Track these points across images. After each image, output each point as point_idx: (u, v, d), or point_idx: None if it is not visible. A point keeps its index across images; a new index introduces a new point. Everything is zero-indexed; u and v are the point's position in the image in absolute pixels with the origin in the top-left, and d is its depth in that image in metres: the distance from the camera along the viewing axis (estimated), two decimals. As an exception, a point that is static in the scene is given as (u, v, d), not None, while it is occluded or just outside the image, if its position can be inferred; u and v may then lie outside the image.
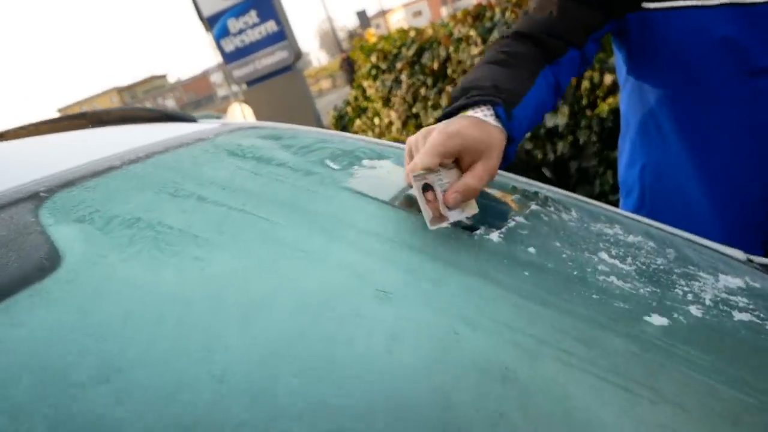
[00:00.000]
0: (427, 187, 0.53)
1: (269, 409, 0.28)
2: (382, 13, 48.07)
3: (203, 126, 0.78)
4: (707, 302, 0.51)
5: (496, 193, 0.67)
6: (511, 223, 0.56)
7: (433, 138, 0.55)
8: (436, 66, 3.55)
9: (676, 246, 0.65)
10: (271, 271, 0.40)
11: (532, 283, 0.46)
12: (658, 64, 0.83)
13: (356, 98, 5.22)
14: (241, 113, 7.24)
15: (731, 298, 0.53)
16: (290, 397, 0.29)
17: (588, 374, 0.37)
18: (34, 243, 0.38)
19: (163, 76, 63.56)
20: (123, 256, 0.39)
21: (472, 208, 0.56)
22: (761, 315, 0.49)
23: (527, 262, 0.49)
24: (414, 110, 4.01)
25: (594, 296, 0.47)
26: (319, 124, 7.20)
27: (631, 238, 0.62)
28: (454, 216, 0.53)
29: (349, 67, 11.06)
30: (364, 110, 5.07)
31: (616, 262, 0.54)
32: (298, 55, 7.25)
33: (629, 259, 0.55)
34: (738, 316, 0.49)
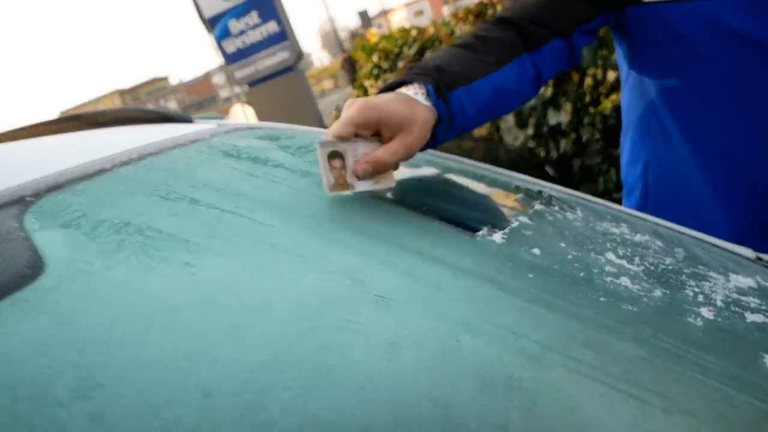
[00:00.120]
0: (336, 155, 0.54)
1: (258, 425, 0.27)
2: (384, 13, 48.05)
3: (199, 127, 0.77)
4: (719, 303, 0.49)
5: (498, 192, 0.65)
6: (515, 224, 0.55)
7: (351, 109, 0.56)
8: (437, 65, 3.53)
9: (684, 245, 0.63)
10: (264, 276, 0.39)
11: (536, 285, 0.44)
12: (659, 58, 0.81)
13: (358, 98, 5.19)
14: (243, 114, 7.24)
15: (743, 298, 0.51)
16: (281, 412, 0.28)
17: (597, 382, 0.35)
18: (17, 250, 0.37)
19: (165, 78, 63.66)
20: (109, 262, 0.37)
21: (388, 181, 0.57)
22: (775, 316, 0.48)
23: (531, 264, 0.48)
24: (416, 109, 3.98)
25: (601, 299, 0.45)
26: (321, 124, 7.18)
27: (638, 238, 0.60)
28: (363, 186, 0.55)
29: (350, 67, 11.04)
30: (366, 110, 5.04)
31: (624, 262, 0.52)
32: (299, 55, 7.25)
33: (637, 259, 0.54)
34: (751, 317, 0.47)
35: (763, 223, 0.82)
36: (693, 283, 0.52)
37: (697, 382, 0.38)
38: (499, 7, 2.95)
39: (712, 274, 0.56)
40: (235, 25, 7.04)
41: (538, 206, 0.60)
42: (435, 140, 0.64)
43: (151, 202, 0.46)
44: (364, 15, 32.23)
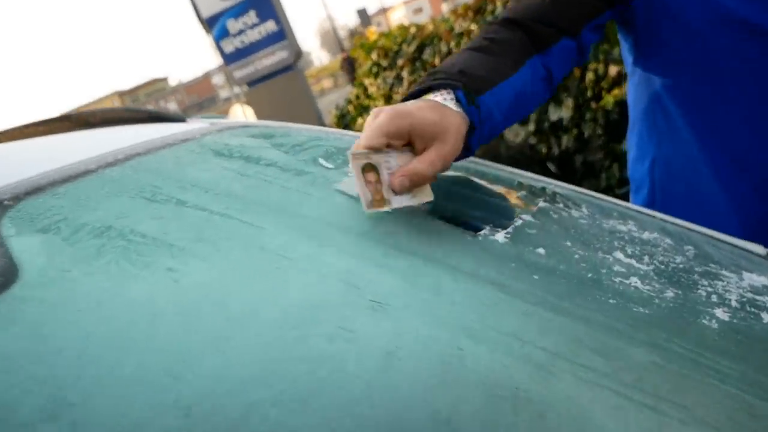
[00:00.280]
0: (370, 168, 0.49)
1: (242, 448, 0.25)
2: (383, 11, 47.97)
3: (191, 126, 0.74)
4: (733, 303, 0.47)
5: (500, 189, 0.63)
6: (518, 222, 0.52)
7: (380, 117, 0.51)
8: (437, 62, 3.51)
9: (694, 242, 0.61)
10: (253, 282, 0.36)
11: (542, 287, 0.42)
12: (667, 52, 0.78)
13: (358, 96, 5.19)
14: (243, 115, 7.23)
15: (758, 298, 0.49)
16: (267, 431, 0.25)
17: (609, 391, 0.33)
18: (-12, 257, 0.35)
19: (165, 79, 63.64)
20: (88, 269, 0.35)
21: (426, 195, 0.52)
22: (794, 317, 0.45)
23: (537, 265, 0.45)
24: (416, 107, 3.96)
25: (611, 300, 0.43)
26: (320, 123, 7.16)
27: (646, 235, 0.58)
28: (400, 201, 0.50)
29: (349, 66, 11.01)
30: (366, 108, 5.03)
31: (633, 261, 0.50)
32: (298, 54, 7.22)
33: (646, 258, 0.51)
34: (767, 318, 0.45)
35: None
36: (705, 283, 0.50)
37: (714, 389, 0.35)
38: (498, 3, 2.92)
39: (724, 272, 0.53)
40: (233, 25, 7.01)
41: (542, 204, 0.58)
42: (469, 150, 0.60)
43: (136, 204, 0.44)
44: (363, 13, 32.17)
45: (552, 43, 0.72)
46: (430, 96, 0.58)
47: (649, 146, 0.89)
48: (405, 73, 3.94)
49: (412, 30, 4.01)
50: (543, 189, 0.63)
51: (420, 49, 3.75)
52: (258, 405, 0.27)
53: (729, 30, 0.71)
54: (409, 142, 0.53)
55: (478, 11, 3.06)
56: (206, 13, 7.01)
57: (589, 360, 0.35)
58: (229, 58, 7.22)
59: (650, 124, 0.87)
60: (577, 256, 0.49)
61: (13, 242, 0.37)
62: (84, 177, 0.48)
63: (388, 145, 0.51)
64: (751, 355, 0.40)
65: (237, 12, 6.94)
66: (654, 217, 0.68)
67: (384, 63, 4.30)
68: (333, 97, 17.45)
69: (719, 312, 0.44)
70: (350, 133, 0.81)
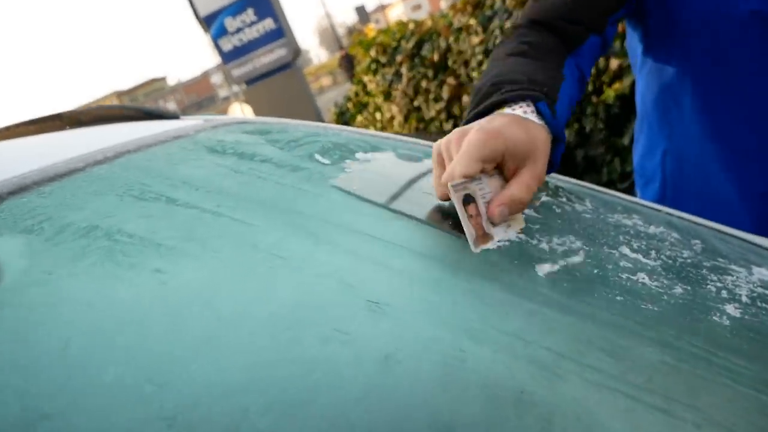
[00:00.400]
0: (468, 200, 0.44)
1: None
2: (382, 8, 47.86)
3: (185, 123, 0.73)
4: (744, 299, 0.45)
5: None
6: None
7: (471, 139, 0.46)
8: (436, 57, 3.49)
9: (701, 236, 0.59)
10: (244, 282, 0.35)
11: (546, 285, 0.41)
12: (679, 43, 0.76)
13: (357, 94, 5.17)
14: (241, 113, 7.21)
15: (768, 293, 0.47)
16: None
17: (618, 393, 0.31)
18: (-34, 259, 0.33)
19: (163, 79, 63.60)
20: (71, 271, 0.33)
21: (519, 223, 0.47)
22: (808, 313, 0.44)
23: (540, 261, 0.44)
24: (415, 103, 3.95)
25: (618, 298, 0.41)
26: (319, 121, 7.14)
27: (652, 229, 0.56)
28: (500, 234, 0.45)
29: (348, 64, 10.96)
30: (366, 105, 5.02)
31: (640, 257, 0.48)
32: (297, 52, 7.20)
33: (653, 253, 0.50)
34: (780, 314, 0.43)
35: None
36: (715, 278, 0.48)
37: (729, 390, 0.34)
38: (497, -3, 2.89)
39: (733, 266, 0.52)
40: (231, 23, 6.99)
41: (545, 198, 0.56)
42: (553, 165, 0.57)
43: (123, 203, 0.42)
44: (361, 10, 32.13)
45: (581, 42, 0.69)
46: (506, 110, 0.53)
47: (660, 138, 0.86)
48: (404, 70, 3.92)
49: (411, 26, 3.99)
50: (545, 183, 0.61)
51: (419, 45, 3.73)
52: (248, 412, 0.25)
53: (742, 20, 0.69)
54: (497, 164, 0.48)
55: (477, 6, 3.04)
56: (204, 12, 6.99)
57: (597, 360, 0.34)
58: (228, 57, 7.20)
59: (661, 115, 0.84)
60: (581, 251, 0.47)
61: (-6, 244, 0.35)
62: (71, 175, 0.47)
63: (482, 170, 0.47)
64: (765, 353, 0.38)
65: (235, 10, 6.92)
66: (659, 210, 0.66)
67: (383, 59, 4.28)
68: (332, 94, 17.42)
69: (730, 308, 0.43)
70: (348, 128, 0.79)
